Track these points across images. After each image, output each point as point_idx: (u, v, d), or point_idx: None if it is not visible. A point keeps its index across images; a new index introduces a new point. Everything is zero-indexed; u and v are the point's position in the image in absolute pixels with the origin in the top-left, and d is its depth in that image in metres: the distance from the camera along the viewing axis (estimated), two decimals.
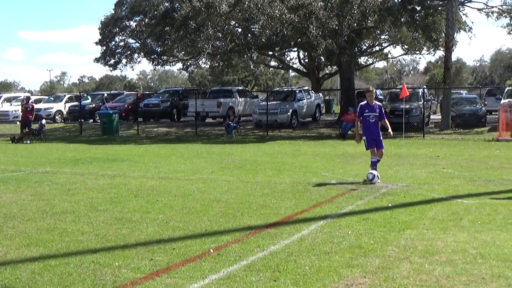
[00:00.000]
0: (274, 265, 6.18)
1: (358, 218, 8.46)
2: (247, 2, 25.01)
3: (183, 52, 36.07)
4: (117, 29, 37.74)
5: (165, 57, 37.59)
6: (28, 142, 25.13)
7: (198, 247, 6.96)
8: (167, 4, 33.27)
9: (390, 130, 12.14)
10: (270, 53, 40.31)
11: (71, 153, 19.59)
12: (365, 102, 12.14)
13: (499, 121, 23.78)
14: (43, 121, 27.13)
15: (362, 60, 48.20)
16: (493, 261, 6.23)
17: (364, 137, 12.18)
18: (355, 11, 26.08)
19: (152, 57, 36.47)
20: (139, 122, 33.43)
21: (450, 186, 11.31)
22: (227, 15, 26.58)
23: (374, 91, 12.31)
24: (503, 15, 36.08)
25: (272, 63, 49.98)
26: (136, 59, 39.64)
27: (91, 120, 37.95)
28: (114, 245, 7.13)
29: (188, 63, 40.08)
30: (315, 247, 6.87)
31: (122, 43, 39.33)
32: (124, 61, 39.46)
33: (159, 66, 41.08)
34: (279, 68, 55.71)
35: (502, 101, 26.12)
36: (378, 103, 12.22)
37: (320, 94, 39.60)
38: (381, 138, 12.15)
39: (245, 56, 33.47)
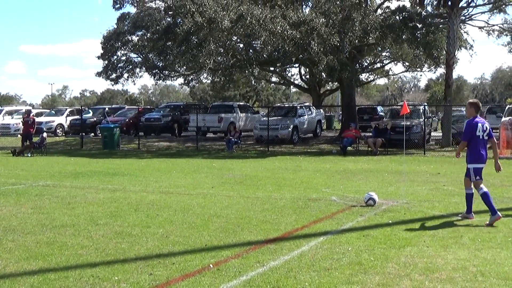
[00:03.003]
0: (274, 281, 6.16)
1: (358, 234, 8.44)
2: (249, 18, 25.11)
3: (184, 67, 36.20)
4: (119, 43, 37.87)
5: (166, 72, 37.68)
6: (29, 155, 25.14)
7: (197, 262, 6.95)
8: (169, 19, 33.38)
9: (497, 164, 10.14)
10: (272, 69, 40.49)
11: (72, 167, 19.59)
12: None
13: (499, 139, 23.74)
14: (44, 135, 27.14)
15: (363, 76, 48.45)
16: (494, 279, 6.21)
17: (472, 165, 9.74)
18: (357, 28, 26.23)
19: (154, 71, 36.54)
20: (140, 136, 33.45)
21: (451, 203, 11.29)
22: (229, 30, 26.69)
23: (477, 103, 9.74)
24: (504, 33, 36.26)
25: (274, 79, 50.22)
26: (137, 74, 39.77)
27: (92, 134, 37.98)
28: (113, 259, 7.12)
29: (190, 78, 40.24)
30: (315, 263, 6.85)
31: (124, 58, 39.45)
32: (125, 75, 39.57)
33: (161, 81, 41.22)
34: (280, 84, 55.89)
35: (503, 119, 26.12)
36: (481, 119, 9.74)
37: (321, 110, 39.71)
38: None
39: (246, 71, 33.65)
